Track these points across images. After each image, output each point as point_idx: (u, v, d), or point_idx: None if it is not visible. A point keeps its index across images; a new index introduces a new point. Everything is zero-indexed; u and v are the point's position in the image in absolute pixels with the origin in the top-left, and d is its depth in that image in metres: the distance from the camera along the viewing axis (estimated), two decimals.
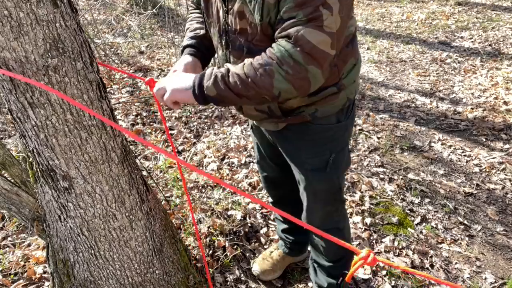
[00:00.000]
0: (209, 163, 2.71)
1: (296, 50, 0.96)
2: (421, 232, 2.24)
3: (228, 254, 1.99)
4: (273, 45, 1.01)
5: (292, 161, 1.44)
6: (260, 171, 1.79)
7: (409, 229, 2.25)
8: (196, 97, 1.08)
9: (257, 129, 1.58)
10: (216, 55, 1.34)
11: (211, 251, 2.00)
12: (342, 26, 0.99)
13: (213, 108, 3.46)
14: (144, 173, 2.26)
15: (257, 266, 1.93)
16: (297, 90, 1.02)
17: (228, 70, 1.05)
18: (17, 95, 1.02)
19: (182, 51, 1.36)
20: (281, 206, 1.83)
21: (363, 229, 2.22)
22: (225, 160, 2.77)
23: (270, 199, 1.90)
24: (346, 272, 1.66)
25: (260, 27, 1.05)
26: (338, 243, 0.80)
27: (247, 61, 1.04)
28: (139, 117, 3.33)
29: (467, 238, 2.22)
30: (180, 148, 2.95)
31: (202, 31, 1.36)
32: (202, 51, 1.35)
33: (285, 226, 1.88)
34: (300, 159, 1.40)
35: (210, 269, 1.90)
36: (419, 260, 2.05)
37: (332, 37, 0.97)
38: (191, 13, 1.47)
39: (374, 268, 1.99)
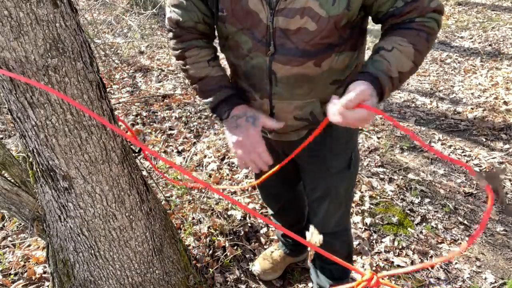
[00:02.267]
0: (209, 163, 2.71)
1: (441, 17, 1.01)
2: (421, 232, 2.24)
3: (228, 254, 1.99)
4: (422, 20, 0.98)
5: (315, 166, 1.37)
6: (260, 188, 1.73)
7: (409, 229, 2.25)
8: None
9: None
10: (232, 66, 1.20)
11: (211, 251, 2.00)
12: None
13: None
14: (144, 173, 2.26)
15: (257, 265, 1.93)
16: None
17: (400, 73, 0.98)
18: (17, 95, 1.02)
19: (219, 103, 1.17)
20: (282, 216, 1.82)
21: (363, 229, 2.22)
22: (225, 160, 2.77)
23: (269, 211, 1.86)
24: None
25: (333, 20, 0.98)
26: (342, 264, 0.80)
27: (409, 48, 0.97)
28: (139, 117, 3.33)
29: (467, 238, 2.22)
30: (180, 148, 2.95)
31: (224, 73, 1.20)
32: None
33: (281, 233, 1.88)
34: (325, 164, 1.34)
35: (210, 269, 1.90)
36: (419, 260, 2.05)
37: None
38: (185, 53, 1.17)
39: (374, 268, 1.99)
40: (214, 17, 1.11)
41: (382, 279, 0.89)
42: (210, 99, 1.18)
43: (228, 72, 1.27)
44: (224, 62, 1.27)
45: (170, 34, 1.18)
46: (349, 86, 0.95)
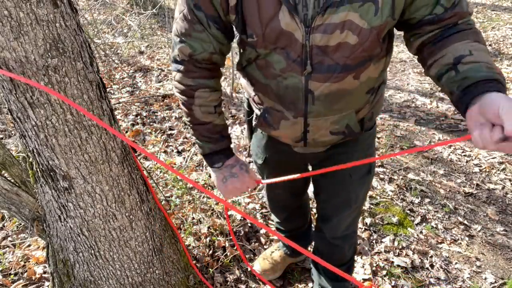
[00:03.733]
0: None
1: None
2: (421, 232, 2.24)
3: (228, 254, 1.99)
4: (464, 20, 0.93)
5: (337, 176, 1.32)
6: (270, 195, 1.72)
7: (409, 229, 2.25)
8: None
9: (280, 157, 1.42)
10: (259, 85, 1.13)
11: (211, 251, 2.00)
12: None
13: None
14: (144, 173, 2.26)
15: (257, 266, 1.93)
16: None
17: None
18: (17, 95, 1.02)
19: (216, 153, 1.20)
20: (287, 223, 1.83)
21: (363, 229, 2.22)
22: None
23: (275, 219, 1.87)
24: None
25: (375, 31, 0.93)
26: (341, 275, 0.80)
27: (483, 45, 0.90)
28: (139, 117, 3.33)
29: (467, 238, 2.22)
30: (180, 148, 2.95)
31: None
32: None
33: (285, 234, 1.88)
34: (348, 172, 1.30)
35: (210, 269, 1.90)
36: (419, 260, 2.05)
37: None
38: (197, 90, 1.09)
39: (374, 268, 1.99)
40: (229, 44, 1.08)
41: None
42: (207, 145, 1.18)
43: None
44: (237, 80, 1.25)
45: (180, 67, 1.08)
46: (491, 105, 0.75)
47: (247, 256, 2.04)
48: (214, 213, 2.22)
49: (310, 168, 1.56)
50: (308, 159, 1.37)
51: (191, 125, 1.17)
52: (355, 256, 2.04)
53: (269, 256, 1.96)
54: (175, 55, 1.07)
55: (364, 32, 0.92)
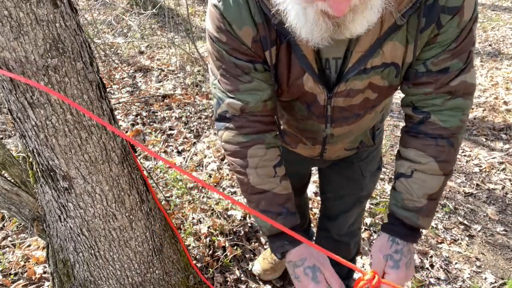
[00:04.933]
0: (209, 163, 2.71)
1: (467, 100, 0.89)
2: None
3: (228, 254, 1.99)
4: (439, 117, 0.89)
5: (348, 175, 1.38)
6: None
7: None
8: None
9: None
10: (284, 117, 1.14)
11: (211, 251, 2.00)
12: None
13: (212, 108, 3.46)
14: (144, 173, 2.26)
15: (258, 265, 1.93)
16: None
17: (431, 196, 0.93)
18: (17, 95, 1.02)
19: (279, 234, 0.96)
20: None
21: (363, 229, 2.22)
22: (225, 160, 2.77)
23: None
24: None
25: (395, 87, 0.94)
26: (349, 266, 0.81)
27: (433, 165, 0.90)
28: (139, 117, 3.33)
29: (467, 238, 2.22)
30: (180, 148, 2.95)
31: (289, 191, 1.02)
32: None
33: None
34: (359, 170, 1.35)
35: (210, 269, 1.90)
36: (419, 260, 2.05)
37: None
38: (251, 147, 0.95)
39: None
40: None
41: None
42: (264, 224, 0.97)
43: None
44: None
45: (228, 125, 0.95)
46: (374, 258, 0.95)
47: (247, 256, 2.04)
48: (214, 213, 2.22)
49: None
50: (319, 163, 1.42)
51: (247, 195, 0.99)
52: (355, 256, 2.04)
53: (269, 256, 1.96)
54: (222, 112, 0.94)
55: (383, 89, 0.92)
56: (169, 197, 2.32)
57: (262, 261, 1.94)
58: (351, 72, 0.86)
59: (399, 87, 0.97)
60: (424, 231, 2.24)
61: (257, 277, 1.94)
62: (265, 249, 2.07)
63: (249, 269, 1.97)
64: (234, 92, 0.91)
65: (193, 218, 2.17)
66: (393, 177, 2.62)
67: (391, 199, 0.98)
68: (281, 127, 1.17)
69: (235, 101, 0.91)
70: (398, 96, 3.87)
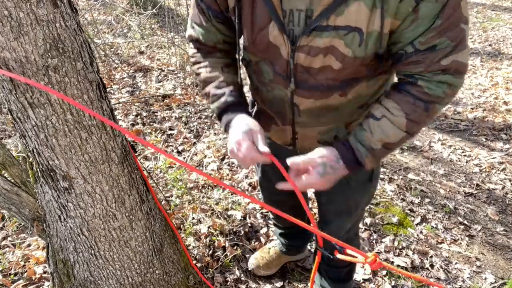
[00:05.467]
0: (209, 163, 2.71)
1: (457, 78, 0.90)
2: (421, 232, 2.24)
3: (228, 254, 1.99)
4: (425, 84, 0.90)
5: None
6: (266, 194, 1.68)
7: (409, 229, 2.25)
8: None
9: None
10: (256, 90, 1.17)
11: (211, 251, 2.00)
12: None
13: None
14: (144, 173, 2.26)
15: (252, 260, 1.94)
16: None
17: (385, 144, 0.96)
18: (17, 95, 1.02)
19: (223, 111, 1.08)
20: (282, 220, 1.82)
21: (363, 229, 2.22)
22: (225, 160, 2.77)
23: (270, 215, 1.87)
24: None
25: (359, 60, 0.92)
26: (350, 261, 0.81)
27: (401, 118, 0.92)
28: (139, 117, 3.33)
29: (467, 238, 2.22)
30: (180, 148, 2.95)
31: (236, 80, 1.14)
32: (246, 105, 1.13)
33: (282, 230, 1.88)
34: (344, 177, 1.33)
35: (210, 269, 1.90)
36: (419, 260, 2.05)
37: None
38: (199, 60, 1.15)
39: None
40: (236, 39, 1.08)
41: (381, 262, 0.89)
42: (216, 104, 1.10)
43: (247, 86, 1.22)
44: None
45: (191, 45, 1.17)
46: (316, 149, 0.99)
47: (247, 256, 2.04)
48: (214, 213, 2.22)
49: None
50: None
51: (202, 92, 1.17)
52: None
53: (266, 252, 1.97)
54: (188, 35, 1.16)
55: (347, 60, 0.92)
56: (169, 197, 2.32)
57: (259, 256, 1.95)
58: (313, 24, 0.87)
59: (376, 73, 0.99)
60: (424, 231, 2.24)
61: (251, 271, 1.94)
62: None
63: (249, 269, 1.97)
64: (196, 24, 1.10)
65: (193, 218, 2.17)
66: (392, 177, 2.63)
67: (354, 131, 1.00)
68: (257, 106, 1.21)
69: (193, 33, 1.12)
70: None
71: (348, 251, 0.87)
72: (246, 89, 1.22)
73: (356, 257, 0.87)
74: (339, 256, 0.84)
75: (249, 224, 2.19)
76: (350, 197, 1.33)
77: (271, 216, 1.88)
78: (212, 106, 1.11)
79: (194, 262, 1.87)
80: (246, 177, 2.58)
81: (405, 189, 2.57)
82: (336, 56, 0.91)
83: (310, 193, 2.43)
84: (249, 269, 1.94)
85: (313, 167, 0.96)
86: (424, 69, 0.88)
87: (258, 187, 2.47)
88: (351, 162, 0.98)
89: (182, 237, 1.93)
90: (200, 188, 2.45)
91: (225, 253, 1.99)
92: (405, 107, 0.93)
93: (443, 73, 0.88)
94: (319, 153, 0.98)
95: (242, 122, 1.01)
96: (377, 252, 2.10)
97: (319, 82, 0.98)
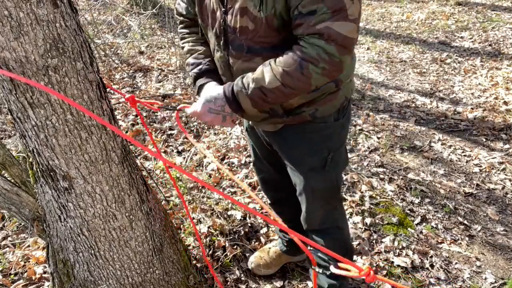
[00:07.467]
0: (209, 163, 2.71)
1: (331, 46, 0.98)
2: (421, 232, 2.24)
3: (228, 254, 1.99)
4: (303, 44, 1.01)
5: (290, 162, 1.43)
6: (257, 172, 1.78)
7: (409, 229, 2.25)
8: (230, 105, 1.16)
9: (252, 131, 1.56)
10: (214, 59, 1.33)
11: (211, 251, 2.00)
12: (360, 9, 1.01)
13: None
14: (144, 173, 2.26)
15: (252, 259, 1.94)
16: (331, 79, 1.09)
17: (261, 87, 1.07)
18: (17, 95, 1.02)
19: (198, 77, 1.31)
20: (279, 207, 1.83)
21: (363, 229, 2.22)
22: (225, 160, 2.77)
23: (268, 201, 1.89)
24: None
25: (265, 20, 1.04)
26: (337, 258, 0.81)
27: (278, 68, 1.04)
28: (139, 117, 3.33)
29: (467, 238, 2.22)
30: (180, 148, 2.95)
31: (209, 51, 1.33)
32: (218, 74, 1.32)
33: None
34: (298, 159, 1.39)
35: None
36: (419, 260, 2.05)
37: (356, 23, 0.99)
38: (184, 36, 1.40)
39: (374, 268, 1.99)
40: None
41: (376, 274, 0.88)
42: (193, 71, 1.31)
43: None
44: None
45: (178, 21, 1.41)
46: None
47: (247, 255, 2.04)
48: (214, 213, 2.22)
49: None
50: (269, 138, 1.46)
51: (187, 62, 1.36)
52: (356, 256, 2.04)
53: (266, 251, 1.97)
54: (175, 11, 1.39)
55: (258, 20, 1.05)
56: (169, 197, 2.32)
57: (258, 256, 1.95)
58: None
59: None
60: (424, 231, 2.24)
61: (251, 271, 1.94)
62: None
63: (249, 268, 1.97)
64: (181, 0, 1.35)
65: (193, 218, 2.17)
66: (392, 177, 2.63)
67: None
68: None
69: (178, 8, 1.37)
70: (398, 96, 3.87)
71: (341, 264, 0.86)
72: None
73: (350, 271, 0.86)
74: (333, 270, 0.84)
75: (249, 224, 2.19)
76: (305, 181, 1.40)
77: (268, 202, 1.89)
78: (191, 73, 1.32)
79: (194, 262, 1.88)
80: (246, 177, 2.58)
81: (405, 189, 2.57)
82: (249, 16, 1.06)
83: None
84: (249, 268, 1.95)
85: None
86: (302, 31, 1.00)
87: (258, 187, 2.47)
88: (229, 93, 1.13)
89: (182, 237, 1.93)
90: (200, 188, 2.45)
91: (225, 253, 1.99)
92: (284, 59, 1.04)
93: (318, 37, 0.98)
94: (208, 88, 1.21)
95: (209, 90, 1.22)
96: (377, 252, 2.10)
97: (242, 42, 1.12)
